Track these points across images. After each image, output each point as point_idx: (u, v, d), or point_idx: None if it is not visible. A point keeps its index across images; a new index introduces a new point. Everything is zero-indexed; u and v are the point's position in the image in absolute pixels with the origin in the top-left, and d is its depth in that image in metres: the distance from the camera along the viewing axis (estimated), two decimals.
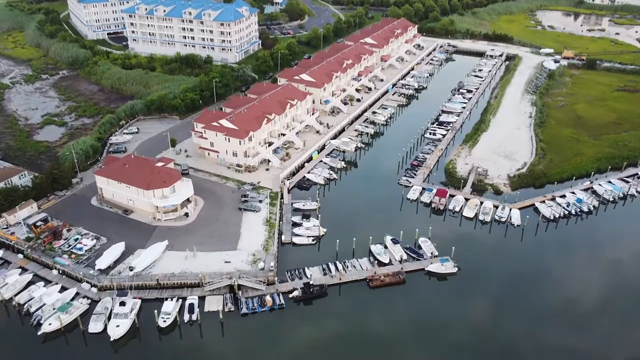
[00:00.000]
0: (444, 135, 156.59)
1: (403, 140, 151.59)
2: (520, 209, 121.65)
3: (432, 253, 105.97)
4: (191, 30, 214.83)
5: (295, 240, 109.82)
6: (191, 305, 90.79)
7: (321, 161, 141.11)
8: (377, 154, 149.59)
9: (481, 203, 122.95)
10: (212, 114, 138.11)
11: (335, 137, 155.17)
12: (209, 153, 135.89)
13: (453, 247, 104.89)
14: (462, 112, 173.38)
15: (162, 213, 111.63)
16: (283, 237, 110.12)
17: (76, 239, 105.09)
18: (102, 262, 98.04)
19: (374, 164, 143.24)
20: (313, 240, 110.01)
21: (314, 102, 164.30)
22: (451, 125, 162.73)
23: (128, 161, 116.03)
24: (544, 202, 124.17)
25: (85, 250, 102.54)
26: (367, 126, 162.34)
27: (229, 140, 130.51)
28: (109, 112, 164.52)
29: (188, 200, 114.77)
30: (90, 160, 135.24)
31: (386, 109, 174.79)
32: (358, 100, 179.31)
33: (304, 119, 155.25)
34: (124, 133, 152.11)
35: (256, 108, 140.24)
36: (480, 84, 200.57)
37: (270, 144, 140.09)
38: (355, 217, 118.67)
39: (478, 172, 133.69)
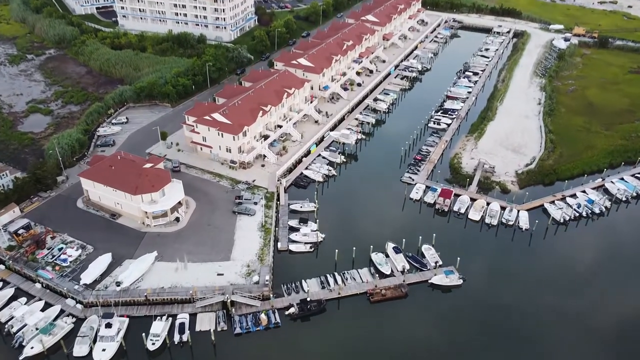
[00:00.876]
0: (448, 125, 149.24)
1: (406, 129, 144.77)
2: (528, 210, 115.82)
3: (436, 262, 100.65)
4: (183, 6, 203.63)
5: (292, 247, 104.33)
6: (181, 325, 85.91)
7: (320, 155, 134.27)
8: (379, 146, 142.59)
9: (488, 204, 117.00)
10: (204, 107, 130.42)
11: (334, 127, 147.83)
12: (201, 148, 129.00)
13: (458, 258, 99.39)
14: (467, 98, 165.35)
15: (151, 218, 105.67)
16: (279, 245, 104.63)
17: (60, 249, 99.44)
18: (88, 276, 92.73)
19: (375, 158, 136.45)
20: (311, 247, 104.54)
21: (312, 88, 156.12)
22: (456, 113, 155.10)
23: (114, 162, 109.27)
24: (553, 202, 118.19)
25: (70, 262, 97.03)
26: (367, 114, 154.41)
27: (222, 136, 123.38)
28: (97, 98, 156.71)
29: (179, 203, 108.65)
30: (77, 156, 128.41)
31: (388, 94, 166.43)
32: (359, 84, 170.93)
33: (301, 107, 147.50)
34: (112, 123, 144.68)
35: (251, 99, 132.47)
36: (486, 65, 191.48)
37: (266, 137, 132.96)
38: (355, 219, 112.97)
39: (485, 169, 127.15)
